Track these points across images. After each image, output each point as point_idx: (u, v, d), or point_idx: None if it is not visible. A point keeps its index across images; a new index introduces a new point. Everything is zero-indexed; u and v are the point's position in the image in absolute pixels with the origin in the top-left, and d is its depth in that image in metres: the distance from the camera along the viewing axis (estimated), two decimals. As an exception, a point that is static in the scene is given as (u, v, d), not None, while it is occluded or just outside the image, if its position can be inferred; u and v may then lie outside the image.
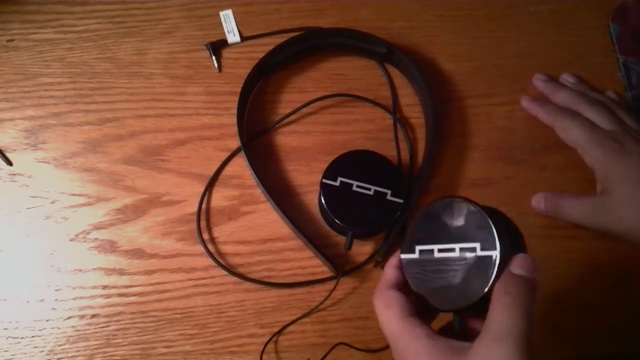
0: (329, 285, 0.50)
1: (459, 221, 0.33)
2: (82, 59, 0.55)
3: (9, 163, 0.52)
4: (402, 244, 0.36)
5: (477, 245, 0.32)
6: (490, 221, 0.32)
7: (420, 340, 0.31)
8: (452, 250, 0.33)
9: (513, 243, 0.34)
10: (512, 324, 0.29)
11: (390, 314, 0.33)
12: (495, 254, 0.32)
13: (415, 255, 0.35)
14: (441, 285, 0.33)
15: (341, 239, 0.51)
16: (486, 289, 0.31)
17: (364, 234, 0.50)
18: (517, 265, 0.31)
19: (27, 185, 0.52)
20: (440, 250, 0.34)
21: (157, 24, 0.57)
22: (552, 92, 0.55)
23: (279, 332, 0.49)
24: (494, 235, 0.32)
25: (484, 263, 0.32)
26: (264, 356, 0.48)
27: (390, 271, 0.36)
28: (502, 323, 0.29)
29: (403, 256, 0.35)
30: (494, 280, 0.31)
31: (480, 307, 0.31)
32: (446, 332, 0.36)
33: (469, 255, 0.33)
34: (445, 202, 0.34)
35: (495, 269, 0.31)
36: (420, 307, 0.34)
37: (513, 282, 0.31)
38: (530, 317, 0.30)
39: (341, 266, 0.49)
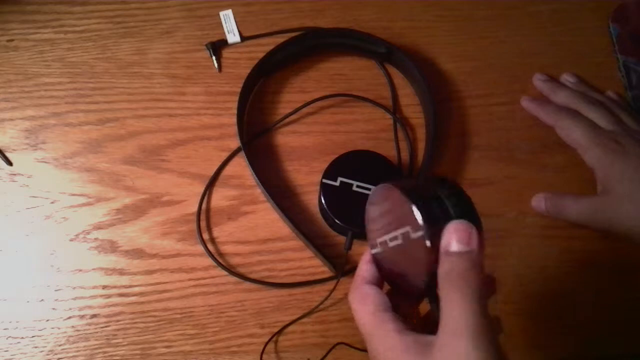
0: (329, 285, 0.50)
1: (392, 206, 0.31)
2: (82, 59, 0.55)
3: (9, 163, 0.52)
4: (368, 239, 0.35)
5: (408, 228, 0.29)
6: (407, 198, 0.28)
7: (390, 336, 0.31)
8: (397, 238, 0.31)
9: (460, 216, 0.29)
10: (462, 318, 0.27)
11: (363, 310, 0.33)
12: (422, 234, 0.28)
13: (379, 249, 0.34)
14: (403, 275, 0.32)
15: (341, 239, 0.51)
16: (424, 278, 0.29)
17: (364, 234, 0.50)
18: (451, 240, 0.28)
19: (27, 185, 0.52)
20: (391, 240, 0.32)
21: (157, 24, 0.57)
22: (552, 92, 0.55)
23: (279, 332, 0.49)
24: (413, 213, 0.28)
25: (417, 247, 0.29)
26: (264, 356, 0.48)
27: (364, 266, 0.36)
28: (452, 318, 0.27)
29: (373, 251, 0.35)
30: (428, 264, 0.28)
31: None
32: (430, 318, 0.36)
33: (406, 240, 0.30)
34: (376, 190, 0.33)
35: (425, 252, 0.28)
36: (401, 297, 0.34)
37: (452, 267, 0.28)
38: (481, 304, 0.27)
39: (341, 266, 0.49)
